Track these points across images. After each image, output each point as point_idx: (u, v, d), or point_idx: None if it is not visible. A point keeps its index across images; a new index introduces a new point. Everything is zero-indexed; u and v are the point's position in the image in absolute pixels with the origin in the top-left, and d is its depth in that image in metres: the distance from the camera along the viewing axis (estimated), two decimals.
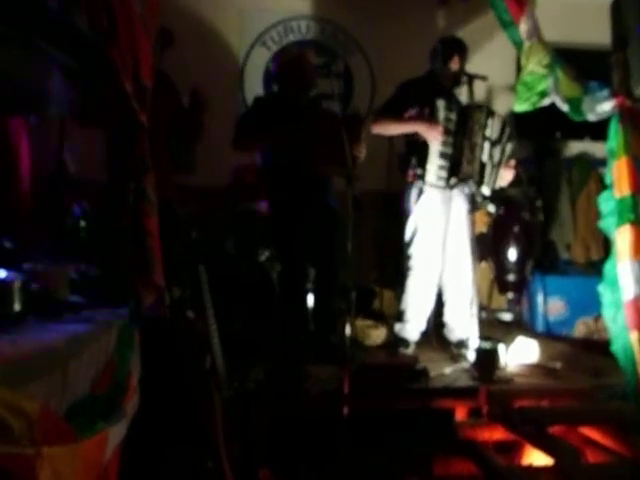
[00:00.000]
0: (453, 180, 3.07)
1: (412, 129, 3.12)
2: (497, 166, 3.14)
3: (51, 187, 2.65)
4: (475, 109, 3.10)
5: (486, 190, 3.13)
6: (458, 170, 3.05)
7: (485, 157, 3.07)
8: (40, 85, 2.04)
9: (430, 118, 3.07)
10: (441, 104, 3.06)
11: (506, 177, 3.21)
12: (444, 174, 3.07)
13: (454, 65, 3.16)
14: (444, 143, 3.06)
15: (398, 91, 3.26)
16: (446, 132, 3.05)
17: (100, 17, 1.63)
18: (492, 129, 3.09)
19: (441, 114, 3.05)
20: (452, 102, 3.11)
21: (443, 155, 3.06)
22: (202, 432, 1.81)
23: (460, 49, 3.20)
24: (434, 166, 3.07)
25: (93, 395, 1.36)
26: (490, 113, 3.10)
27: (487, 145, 3.07)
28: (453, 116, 3.07)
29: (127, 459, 1.53)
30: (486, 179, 3.10)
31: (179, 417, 1.78)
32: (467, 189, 3.11)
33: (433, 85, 3.20)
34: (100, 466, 1.21)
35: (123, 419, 1.39)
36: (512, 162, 3.22)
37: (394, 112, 3.18)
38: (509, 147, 3.17)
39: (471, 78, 3.09)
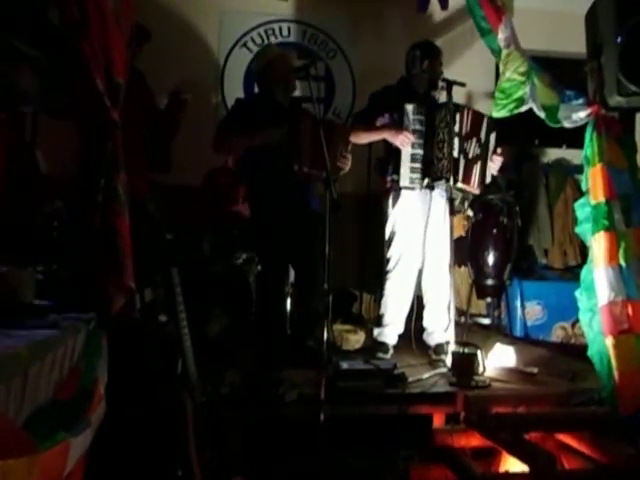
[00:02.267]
0: (427, 180, 3.09)
1: (381, 137, 3.18)
2: (478, 159, 3.14)
3: (22, 184, 2.58)
4: (439, 107, 3.12)
5: (460, 185, 3.11)
6: (430, 170, 3.08)
7: (456, 153, 3.08)
8: (9, 80, 1.98)
9: (397, 124, 3.11)
10: (409, 108, 3.09)
11: (494, 166, 3.22)
12: (417, 175, 3.10)
13: (426, 69, 3.19)
14: (414, 145, 3.09)
15: (369, 101, 3.31)
16: (416, 135, 3.09)
17: (71, 12, 1.59)
18: (461, 124, 3.10)
19: (410, 118, 3.09)
20: (425, 106, 3.12)
21: (414, 157, 3.10)
22: (172, 439, 1.77)
23: (429, 53, 3.22)
24: (407, 169, 3.10)
25: (56, 401, 1.31)
26: (457, 108, 3.10)
27: (457, 141, 3.08)
28: (422, 118, 3.10)
29: (93, 469, 1.48)
30: (461, 175, 3.10)
31: (148, 424, 1.74)
32: (445, 187, 3.10)
33: (405, 91, 3.23)
34: (60, 478, 1.16)
35: (88, 429, 1.34)
36: (498, 150, 3.23)
37: (366, 121, 3.22)
38: (492, 138, 3.17)
39: (450, 84, 3.09)
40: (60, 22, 1.62)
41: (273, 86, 3.09)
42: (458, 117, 3.07)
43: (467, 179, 3.13)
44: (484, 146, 3.17)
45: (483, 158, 3.17)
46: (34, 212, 2.35)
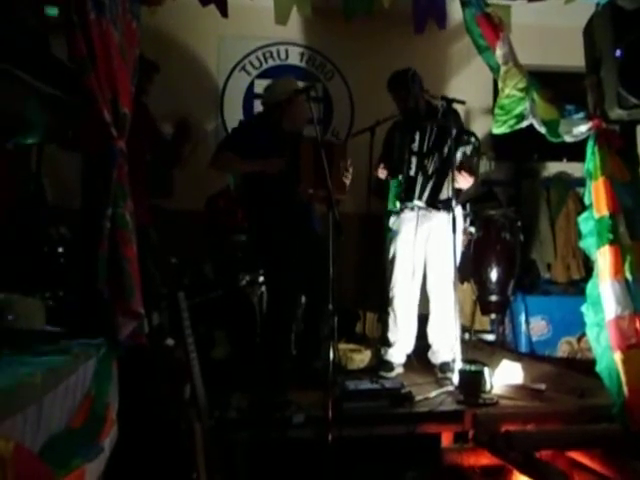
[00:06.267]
0: (401, 204, 3.18)
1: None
2: (437, 174, 3.11)
3: (29, 212, 2.60)
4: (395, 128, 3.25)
5: (418, 203, 3.13)
6: (403, 192, 3.16)
7: (412, 172, 3.13)
8: (16, 112, 2.01)
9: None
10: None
11: (461, 182, 3.10)
12: (398, 199, 3.22)
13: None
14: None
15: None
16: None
17: (79, 47, 1.63)
18: (421, 141, 3.12)
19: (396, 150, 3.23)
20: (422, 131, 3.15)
21: (397, 183, 3.22)
22: (182, 463, 1.75)
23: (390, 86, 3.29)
24: (392, 195, 3.28)
25: (70, 429, 1.30)
26: (418, 127, 3.14)
27: (414, 159, 3.12)
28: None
29: None
30: (417, 193, 3.12)
31: (158, 448, 1.72)
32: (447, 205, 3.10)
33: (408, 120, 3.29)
34: None
35: (101, 454, 1.34)
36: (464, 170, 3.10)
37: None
38: (459, 153, 3.07)
39: (449, 102, 3.12)
40: (68, 57, 1.66)
41: (282, 120, 3.10)
42: (417, 135, 3.12)
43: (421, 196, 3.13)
44: (444, 160, 3.10)
45: (441, 173, 3.11)
46: (41, 239, 2.37)
